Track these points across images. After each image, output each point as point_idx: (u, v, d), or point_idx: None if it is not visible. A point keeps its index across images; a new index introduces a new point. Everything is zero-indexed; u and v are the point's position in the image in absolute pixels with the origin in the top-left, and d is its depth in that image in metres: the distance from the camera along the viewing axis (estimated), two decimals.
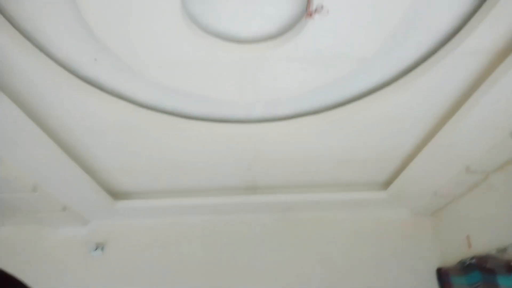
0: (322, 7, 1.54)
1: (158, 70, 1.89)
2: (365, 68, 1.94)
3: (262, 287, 3.41)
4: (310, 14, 1.57)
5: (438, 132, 2.37)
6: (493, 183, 2.72)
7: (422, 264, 3.45)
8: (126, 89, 2.04)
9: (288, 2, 1.63)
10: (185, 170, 3.00)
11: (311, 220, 3.69)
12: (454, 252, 3.21)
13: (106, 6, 1.51)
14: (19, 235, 3.57)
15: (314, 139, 2.57)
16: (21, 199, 2.85)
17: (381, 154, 2.81)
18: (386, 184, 3.34)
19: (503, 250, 2.59)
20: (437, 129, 2.39)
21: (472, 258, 2.83)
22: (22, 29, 1.66)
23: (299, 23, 1.69)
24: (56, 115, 2.14)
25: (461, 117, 2.10)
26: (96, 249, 3.50)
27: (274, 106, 2.27)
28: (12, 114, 1.96)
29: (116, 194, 3.32)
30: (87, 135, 2.37)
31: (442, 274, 3.27)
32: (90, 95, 1.98)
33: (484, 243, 2.85)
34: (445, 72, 1.89)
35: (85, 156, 2.65)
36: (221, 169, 2.99)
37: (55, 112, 2.12)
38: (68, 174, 2.67)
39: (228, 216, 3.72)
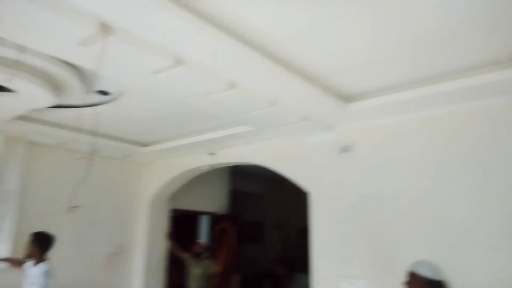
0: None
1: None
2: None
3: None
4: None
5: None
6: None
7: None
8: None
9: None
10: (414, 53, 2.59)
11: None
12: None
13: None
14: (286, 144, 4.31)
15: None
16: (267, 113, 3.38)
17: None
18: None
19: None
20: None
21: None
22: None
23: None
24: (256, 32, 2.34)
25: None
26: (343, 151, 3.75)
27: None
28: (230, 45, 2.31)
29: (347, 98, 3.35)
30: (289, 42, 2.46)
31: None
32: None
33: None
34: None
35: (301, 65, 2.77)
36: (451, 37, 2.40)
37: (254, 30, 2.32)
38: (293, 86, 2.91)
39: (485, 100, 3.02)
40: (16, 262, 3.71)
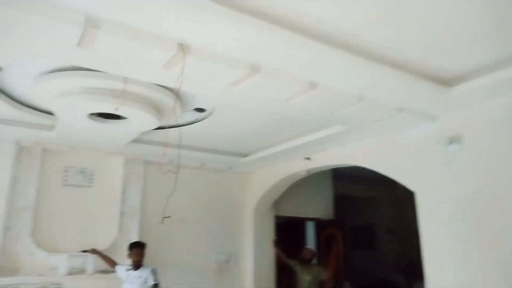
0: None
1: None
2: None
3: None
4: None
5: None
6: None
7: None
8: None
9: None
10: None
11: None
12: None
13: None
14: (383, 141, 3.99)
15: None
16: (355, 111, 3.20)
17: None
18: None
19: None
20: None
21: None
22: None
23: None
24: (331, 26, 2.25)
25: None
26: (450, 143, 3.31)
27: None
28: (305, 44, 2.25)
29: (446, 82, 2.96)
30: (368, 31, 2.28)
31: None
32: None
33: None
34: None
35: (386, 53, 2.53)
36: None
37: (330, 25, 2.23)
38: (380, 76, 2.68)
39: None
40: (111, 262, 4.36)
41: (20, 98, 3.58)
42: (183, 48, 2.21)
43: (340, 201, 7.23)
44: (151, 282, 3.98)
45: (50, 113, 3.87)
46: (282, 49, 2.31)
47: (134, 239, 4.91)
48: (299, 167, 5.15)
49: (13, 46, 2.25)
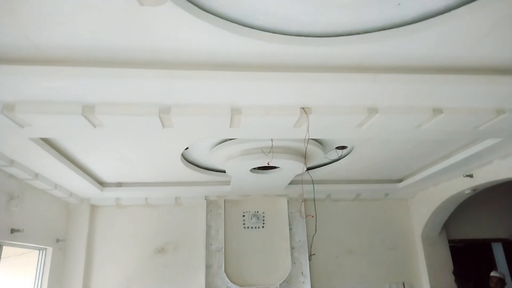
0: None
1: None
2: None
3: None
4: None
5: None
6: None
7: None
8: None
9: None
10: None
11: None
12: None
13: None
14: None
15: None
16: (501, 122, 2.97)
17: None
18: None
19: None
20: None
21: None
22: None
23: None
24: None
25: None
26: None
27: None
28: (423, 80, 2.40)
29: None
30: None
31: None
32: None
33: None
34: None
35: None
36: None
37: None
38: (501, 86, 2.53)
39: None
40: None
41: (203, 165, 4.71)
42: (305, 110, 2.69)
43: None
44: None
45: (224, 172, 4.88)
46: (396, 90, 2.51)
47: (306, 271, 5.41)
48: (462, 185, 4.78)
49: (193, 137, 3.18)
